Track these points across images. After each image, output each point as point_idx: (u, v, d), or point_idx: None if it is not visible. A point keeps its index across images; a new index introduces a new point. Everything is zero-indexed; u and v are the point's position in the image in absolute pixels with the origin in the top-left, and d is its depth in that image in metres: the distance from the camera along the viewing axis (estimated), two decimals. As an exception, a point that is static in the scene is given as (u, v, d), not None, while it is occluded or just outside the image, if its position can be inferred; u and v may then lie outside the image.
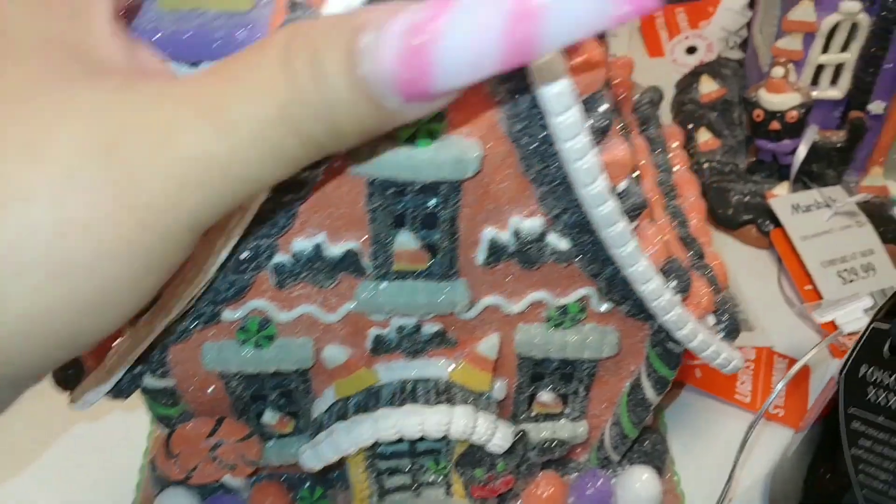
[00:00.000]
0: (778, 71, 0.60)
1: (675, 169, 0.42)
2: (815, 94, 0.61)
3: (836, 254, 0.59)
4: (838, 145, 0.63)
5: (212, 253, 0.30)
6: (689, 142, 0.68)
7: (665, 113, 0.71)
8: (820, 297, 0.57)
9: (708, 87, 0.72)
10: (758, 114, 0.62)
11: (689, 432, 0.52)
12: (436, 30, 0.20)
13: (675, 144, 0.43)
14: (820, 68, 0.61)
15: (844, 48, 0.59)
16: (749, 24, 0.75)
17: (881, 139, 0.63)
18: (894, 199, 0.64)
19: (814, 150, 0.63)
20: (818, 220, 0.60)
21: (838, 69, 0.61)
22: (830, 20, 0.57)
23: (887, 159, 0.65)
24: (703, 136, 0.68)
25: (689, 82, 0.73)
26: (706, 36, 0.79)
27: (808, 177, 0.64)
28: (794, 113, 0.61)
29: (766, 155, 0.65)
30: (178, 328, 0.34)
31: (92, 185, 0.20)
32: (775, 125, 0.62)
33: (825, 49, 0.59)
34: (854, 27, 0.58)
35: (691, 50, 0.80)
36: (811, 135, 0.63)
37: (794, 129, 0.62)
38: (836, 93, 0.62)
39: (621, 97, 0.40)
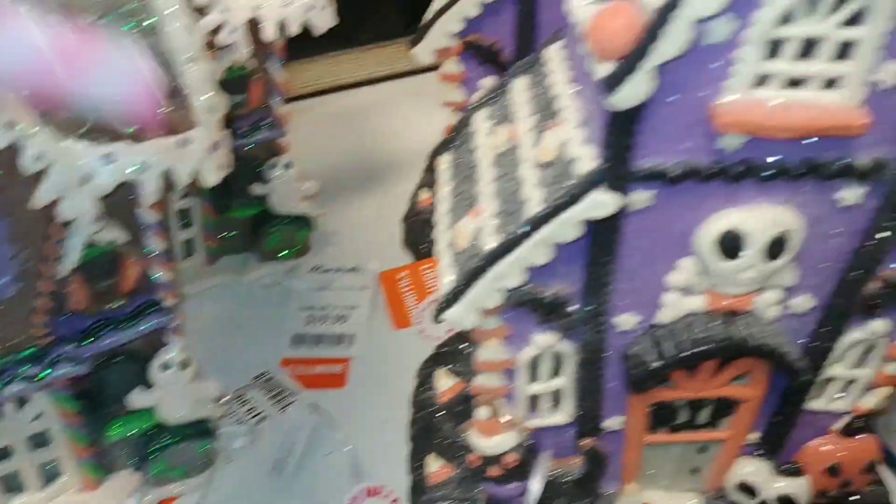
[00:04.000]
0: (483, 412, 0.50)
1: None
2: (535, 423, 0.51)
3: None
4: (577, 477, 0.52)
5: None
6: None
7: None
8: None
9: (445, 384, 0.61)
10: (473, 459, 0.51)
11: None
12: None
13: None
14: (536, 397, 0.50)
15: (556, 373, 0.49)
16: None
17: (627, 456, 0.53)
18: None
19: (549, 487, 0.52)
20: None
21: (557, 393, 0.51)
22: (527, 354, 0.47)
23: (642, 472, 0.55)
24: (434, 465, 0.56)
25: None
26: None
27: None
28: (512, 457, 0.50)
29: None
30: None
31: None
32: (495, 471, 0.51)
33: (534, 379, 0.49)
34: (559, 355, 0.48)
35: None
36: (543, 468, 0.52)
37: (520, 471, 0.51)
38: (562, 418, 0.51)
39: None
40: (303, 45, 0.63)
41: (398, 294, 0.52)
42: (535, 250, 0.41)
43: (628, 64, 0.33)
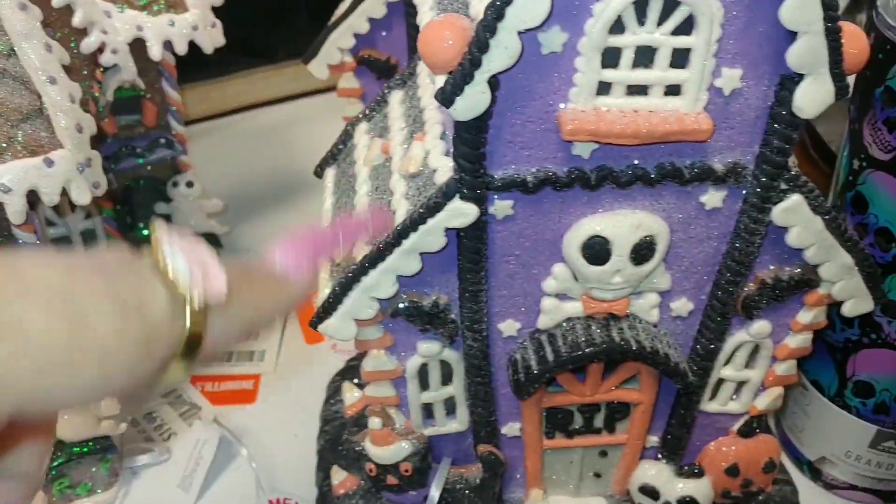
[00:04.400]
0: (375, 422, 0.50)
1: None
2: (429, 431, 0.51)
3: None
4: (476, 483, 0.52)
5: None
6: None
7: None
8: None
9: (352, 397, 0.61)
10: (370, 468, 0.51)
11: None
12: None
13: None
14: (430, 405, 0.51)
15: (448, 381, 0.50)
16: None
17: (528, 462, 0.53)
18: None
19: (448, 494, 0.52)
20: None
21: (450, 400, 0.51)
22: (414, 363, 0.48)
23: (545, 478, 0.55)
24: (339, 476, 0.57)
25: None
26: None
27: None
28: (408, 465, 0.50)
29: (398, 507, 0.53)
30: None
31: None
32: (392, 480, 0.51)
33: (425, 388, 0.50)
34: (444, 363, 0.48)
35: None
36: (442, 476, 0.52)
37: (417, 479, 0.51)
38: (458, 425, 0.52)
39: None
40: (217, 63, 0.64)
41: (310, 309, 0.52)
42: (402, 260, 0.41)
43: (461, 76, 0.34)
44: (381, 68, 0.62)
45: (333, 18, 0.62)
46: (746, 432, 0.54)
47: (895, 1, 0.45)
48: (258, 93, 0.93)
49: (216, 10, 0.63)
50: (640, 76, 0.36)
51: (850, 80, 0.39)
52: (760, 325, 0.47)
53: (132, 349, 0.24)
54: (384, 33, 0.61)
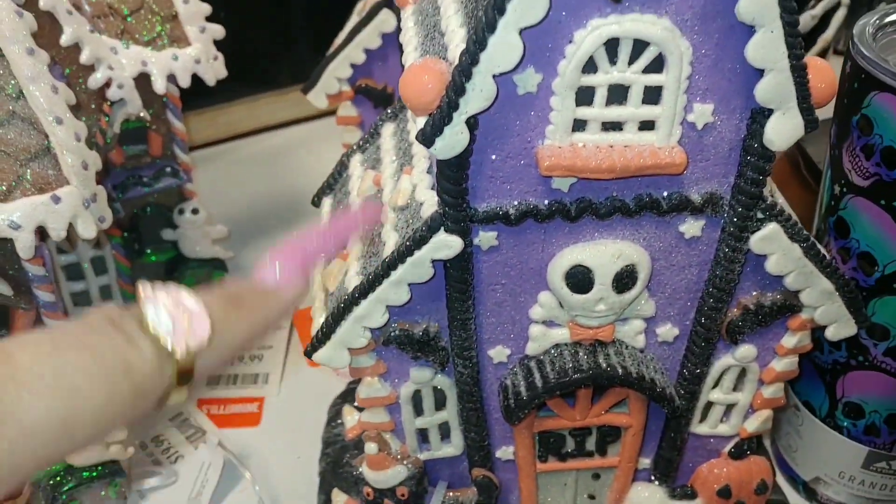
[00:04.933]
0: (371, 447, 0.51)
1: None
2: (424, 456, 0.52)
3: None
4: (472, 506, 0.53)
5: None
6: None
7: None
8: None
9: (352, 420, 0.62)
10: (368, 492, 0.52)
11: None
12: None
13: None
14: (425, 430, 0.52)
15: (442, 406, 0.51)
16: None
17: (522, 485, 0.54)
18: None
19: (443, 517, 0.53)
20: None
21: (445, 425, 0.52)
22: (407, 390, 0.49)
23: (540, 500, 0.56)
24: (340, 498, 0.58)
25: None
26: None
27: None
28: (404, 490, 0.52)
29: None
30: None
31: None
32: (389, 503, 0.52)
33: (419, 413, 0.51)
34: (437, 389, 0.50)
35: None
36: (438, 499, 0.53)
37: (413, 503, 0.52)
38: (453, 449, 0.53)
39: None
40: (222, 89, 0.66)
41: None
42: (392, 290, 0.43)
43: (439, 118, 0.35)
44: (378, 97, 0.64)
45: (331, 49, 0.64)
46: (737, 454, 0.54)
47: (870, 30, 0.47)
48: (263, 118, 0.95)
49: (222, 39, 0.65)
50: (614, 113, 0.37)
51: (830, 106, 0.40)
52: (746, 350, 0.48)
53: (123, 407, 0.27)
54: (380, 63, 0.63)
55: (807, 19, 0.90)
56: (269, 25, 0.94)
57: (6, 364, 0.25)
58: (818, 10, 0.91)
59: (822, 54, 0.95)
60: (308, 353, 0.46)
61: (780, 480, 0.62)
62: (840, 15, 0.95)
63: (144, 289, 0.30)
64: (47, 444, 0.25)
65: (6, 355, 0.26)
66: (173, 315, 0.29)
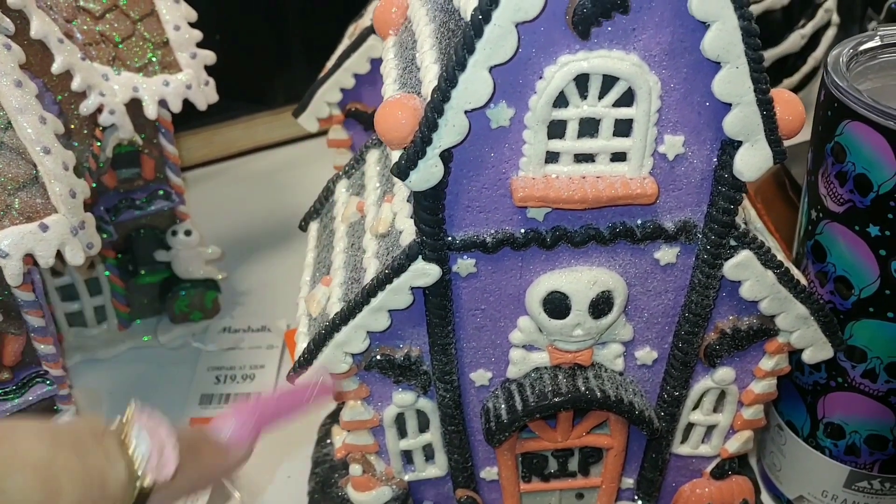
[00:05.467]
0: (356, 469, 0.52)
1: None
2: (409, 477, 0.53)
3: None
4: (457, 527, 0.54)
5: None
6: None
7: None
8: None
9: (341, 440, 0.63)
10: (352, 512, 0.53)
11: None
12: None
13: None
14: (409, 451, 0.53)
15: (425, 428, 0.52)
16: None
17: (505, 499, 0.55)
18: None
19: (429, 537, 0.54)
20: None
21: (429, 447, 0.53)
22: (390, 412, 0.50)
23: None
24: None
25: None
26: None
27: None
28: (388, 511, 0.52)
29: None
30: None
31: None
32: (373, 524, 0.53)
33: (403, 435, 0.51)
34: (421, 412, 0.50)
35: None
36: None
37: (397, 523, 0.53)
38: (437, 470, 0.53)
39: None
40: (217, 109, 0.67)
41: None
42: (371, 317, 0.44)
43: (413, 152, 0.36)
44: (368, 120, 0.65)
45: (322, 73, 0.65)
46: (719, 474, 0.55)
47: (844, 59, 0.47)
48: (258, 137, 0.96)
49: (217, 59, 0.66)
50: (586, 145, 0.38)
51: (807, 133, 0.41)
52: (724, 372, 0.49)
53: None
54: (369, 87, 0.64)
55: (797, 39, 0.91)
56: (264, 46, 0.95)
57: (10, 447, 0.29)
58: (808, 29, 0.92)
59: (813, 73, 0.95)
60: (289, 379, 0.46)
61: (766, 498, 0.62)
62: (830, 34, 0.96)
63: (135, 412, 0.33)
64: None
65: (11, 439, 0.30)
66: (151, 444, 0.32)
